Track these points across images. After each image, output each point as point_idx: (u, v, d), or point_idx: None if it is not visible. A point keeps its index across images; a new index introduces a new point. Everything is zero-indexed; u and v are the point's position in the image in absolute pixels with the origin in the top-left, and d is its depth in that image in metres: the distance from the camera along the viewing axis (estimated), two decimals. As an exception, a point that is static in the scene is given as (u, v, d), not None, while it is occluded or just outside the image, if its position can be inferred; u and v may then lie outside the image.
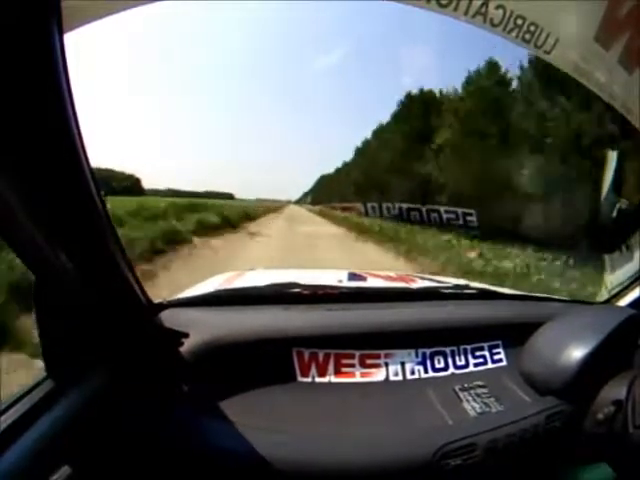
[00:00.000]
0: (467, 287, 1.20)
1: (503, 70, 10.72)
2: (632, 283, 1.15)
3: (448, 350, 0.91)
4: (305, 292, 0.97)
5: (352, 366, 0.84)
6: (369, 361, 0.85)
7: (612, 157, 1.23)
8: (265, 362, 0.79)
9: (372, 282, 1.23)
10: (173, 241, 6.41)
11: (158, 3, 0.78)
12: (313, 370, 0.81)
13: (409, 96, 13.58)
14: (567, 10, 1.06)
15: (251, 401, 0.74)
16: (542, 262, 6.56)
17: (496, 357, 0.95)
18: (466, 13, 1.02)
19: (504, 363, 0.94)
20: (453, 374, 0.89)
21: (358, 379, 0.83)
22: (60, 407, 0.54)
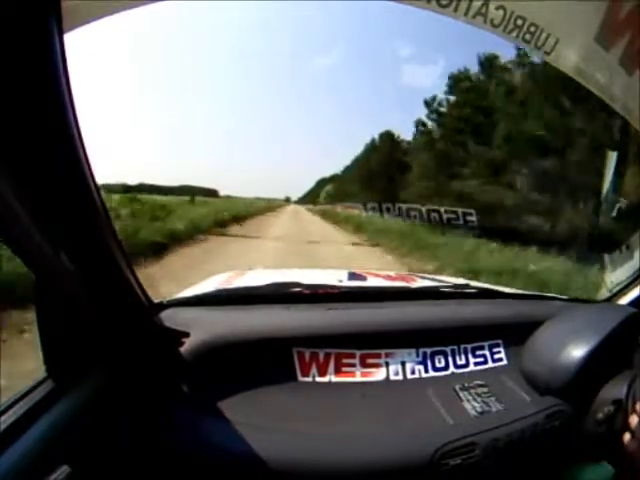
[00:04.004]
0: (467, 286, 1.20)
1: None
2: (633, 281, 1.15)
3: (448, 349, 0.91)
4: (305, 292, 0.97)
5: (353, 366, 0.84)
6: (370, 361, 0.85)
7: (612, 157, 1.23)
8: (266, 362, 0.79)
9: (372, 281, 1.23)
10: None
11: (158, 3, 0.78)
12: (314, 370, 0.81)
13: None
14: (567, 11, 1.06)
15: (251, 401, 0.74)
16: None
17: (496, 356, 0.95)
18: (466, 14, 1.01)
19: (504, 362, 0.94)
20: (453, 373, 0.89)
21: (358, 379, 0.83)
22: (60, 407, 0.54)
